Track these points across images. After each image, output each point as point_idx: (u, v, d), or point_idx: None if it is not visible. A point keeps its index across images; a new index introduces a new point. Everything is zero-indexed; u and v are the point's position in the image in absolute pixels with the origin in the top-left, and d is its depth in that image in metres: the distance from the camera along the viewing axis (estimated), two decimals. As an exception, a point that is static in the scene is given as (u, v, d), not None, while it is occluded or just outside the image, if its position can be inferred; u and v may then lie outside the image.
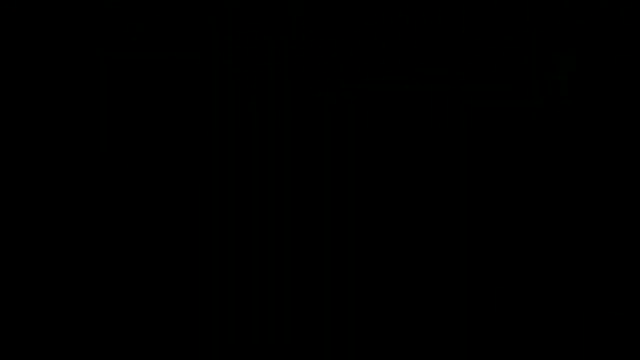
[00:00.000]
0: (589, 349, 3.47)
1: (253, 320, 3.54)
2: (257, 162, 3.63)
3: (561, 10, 3.48)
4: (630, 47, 3.58)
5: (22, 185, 3.61)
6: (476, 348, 3.50)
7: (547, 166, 3.59)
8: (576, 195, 3.58)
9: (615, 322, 3.47)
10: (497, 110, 3.57)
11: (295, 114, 3.65)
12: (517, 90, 3.57)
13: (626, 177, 3.57)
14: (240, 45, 3.66)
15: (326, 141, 3.63)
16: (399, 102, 3.64)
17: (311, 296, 3.56)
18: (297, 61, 3.65)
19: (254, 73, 3.66)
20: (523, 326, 3.50)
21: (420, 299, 3.54)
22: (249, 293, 3.56)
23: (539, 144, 3.58)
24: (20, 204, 3.60)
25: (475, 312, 3.52)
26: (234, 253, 3.59)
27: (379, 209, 3.61)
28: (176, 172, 3.64)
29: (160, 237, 3.59)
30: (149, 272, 3.57)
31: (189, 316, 3.54)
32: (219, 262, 3.57)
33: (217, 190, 3.62)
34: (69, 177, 3.62)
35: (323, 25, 3.65)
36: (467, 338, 3.50)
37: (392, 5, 3.62)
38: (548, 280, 3.53)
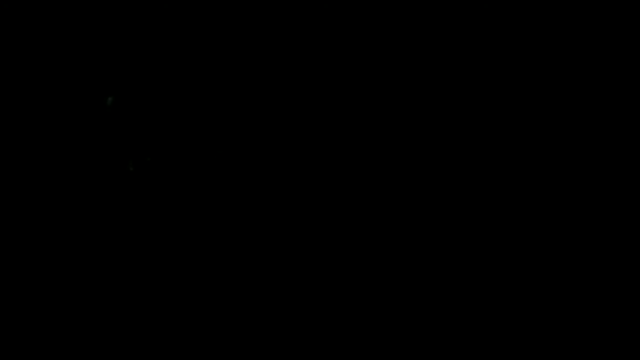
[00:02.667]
0: (589, 349, 3.47)
1: (253, 321, 3.54)
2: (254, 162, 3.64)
3: None
4: None
5: (22, 185, 3.61)
6: (476, 348, 3.50)
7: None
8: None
9: (615, 322, 3.47)
10: None
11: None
12: None
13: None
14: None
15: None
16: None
17: (310, 296, 3.56)
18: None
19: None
20: (523, 326, 3.50)
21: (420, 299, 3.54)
22: (249, 293, 3.56)
23: None
24: (20, 204, 3.60)
25: (475, 312, 3.52)
26: (234, 253, 3.59)
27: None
28: (174, 172, 3.64)
29: (160, 237, 3.59)
30: (149, 272, 3.57)
31: (189, 316, 3.54)
32: (219, 262, 3.57)
33: (215, 190, 3.62)
34: (68, 176, 3.62)
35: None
36: (466, 338, 3.50)
37: None
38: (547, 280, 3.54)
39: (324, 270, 3.58)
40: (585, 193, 3.58)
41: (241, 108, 3.68)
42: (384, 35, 3.68)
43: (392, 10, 3.69)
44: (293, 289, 3.56)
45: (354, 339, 3.52)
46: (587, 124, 3.63)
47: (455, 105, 3.65)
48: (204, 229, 3.60)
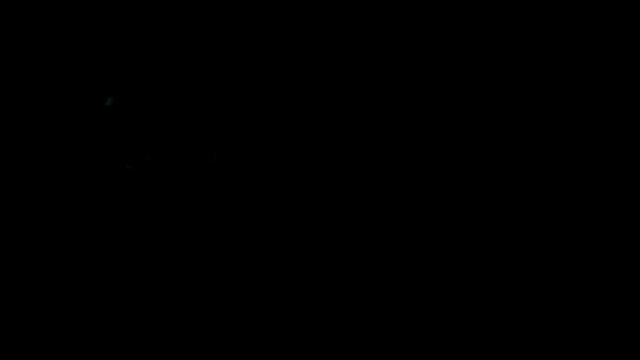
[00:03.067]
0: (588, 349, 3.47)
1: (253, 320, 3.54)
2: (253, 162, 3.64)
3: None
4: None
5: (22, 185, 3.61)
6: (476, 348, 3.50)
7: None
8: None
9: (615, 322, 3.47)
10: None
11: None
12: None
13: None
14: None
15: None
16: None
17: (310, 296, 3.56)
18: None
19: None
20: (523, 326, 3.50)
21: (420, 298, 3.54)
22: (249, 293, 3.56)
23: None
24: (20, 203, 3.60)
25: (475, 312, 3.52)
26: (233, 253, 3.59)
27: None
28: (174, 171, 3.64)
29: (160, 236, 3.59)
30: (149, 272, 3.57)
31: (189, 316, 3.54)
32: (219, 262, 3.57)
33: (215, 190, 3.62)
34: (68, 176, 3.62)
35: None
36: (466, 338, 3.51)
37: None
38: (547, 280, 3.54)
39: (324, 270, 3.58)
40: (585, 193, 3.58)
41: (240, 108, 3.68)
42: (385, 35, 3.69)
43: (392, 11, 3.69)
44: (293, 289, 3.57)
45: (354, 339, 3.52)
46: (587, 124, 3.63)
47: (455, 105, 3.65)
48: (204, 228, 3.60)
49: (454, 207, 3.60)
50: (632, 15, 3.64)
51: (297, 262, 3.58)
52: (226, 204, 3.61)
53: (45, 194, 3.61)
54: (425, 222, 3.59)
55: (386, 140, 3.65)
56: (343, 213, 3.61)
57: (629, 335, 3.46)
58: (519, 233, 3.57)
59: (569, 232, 3.56)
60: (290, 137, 3.65)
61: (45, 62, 3.68)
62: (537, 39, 3.66)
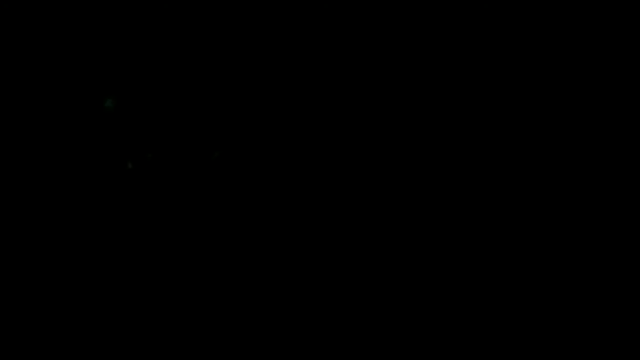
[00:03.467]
0: (588, 349, 3.47)
1: (253, 320, 3.54)
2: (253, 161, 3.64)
3: None
4: None
5: (22, 185, 3.62)
6: (476, 348, 3.50)
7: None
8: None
9: (615, 322, 3.47)
10: None
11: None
12: None
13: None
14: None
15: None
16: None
17: (310, 296, 3.56)
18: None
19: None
20: (523, 326, 3.51)
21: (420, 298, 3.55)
22: (249, 293, 3.57)
23: None
24: (21, 204, 3.61)
25: (475, 312, 3.53)
26: (233, 252, 3.59)
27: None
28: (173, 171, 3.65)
29: (161, 234, 3.60)
30: (151, 269, 3.57)
31: (189, 316, 3.55)
32: (219, 262, 3.58)
33: (215, 189, 3.62)
34: (70, 175, 3.63)
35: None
36: (466, 338, 3.51)
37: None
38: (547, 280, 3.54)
39: (324, 270, 3.58)
40: (585, 193, 3.59)
41: (242, 106, 3.68)
42: (384, 35, 3.69)
43: (392, 10, 3.69)
44: (295, 287, 3.57)
45: (354, 339, 3.52)
46: (587, 124, 3.63)
47: (455, 105, 3.66)
48: (205, 226, 3.60)
49: (454, 207, 3.60)
50: (632, 15, 3.64)
51: (299, 260, 3.58)
52: (227, 202, 3.62)
53: (46, 193, 3.62)
54: (426, 219, 3.60)
55: (387, 140, 3.65)
56: (344, 210, 3.61)
57: (629, 335, 3.46)
58: (519, 233, 3.57)
59: (569, 232, 3.56)
60: (292, 135, 3.65)
61: (45, 63, 3.68)
62: (537, 39, 3.67)
